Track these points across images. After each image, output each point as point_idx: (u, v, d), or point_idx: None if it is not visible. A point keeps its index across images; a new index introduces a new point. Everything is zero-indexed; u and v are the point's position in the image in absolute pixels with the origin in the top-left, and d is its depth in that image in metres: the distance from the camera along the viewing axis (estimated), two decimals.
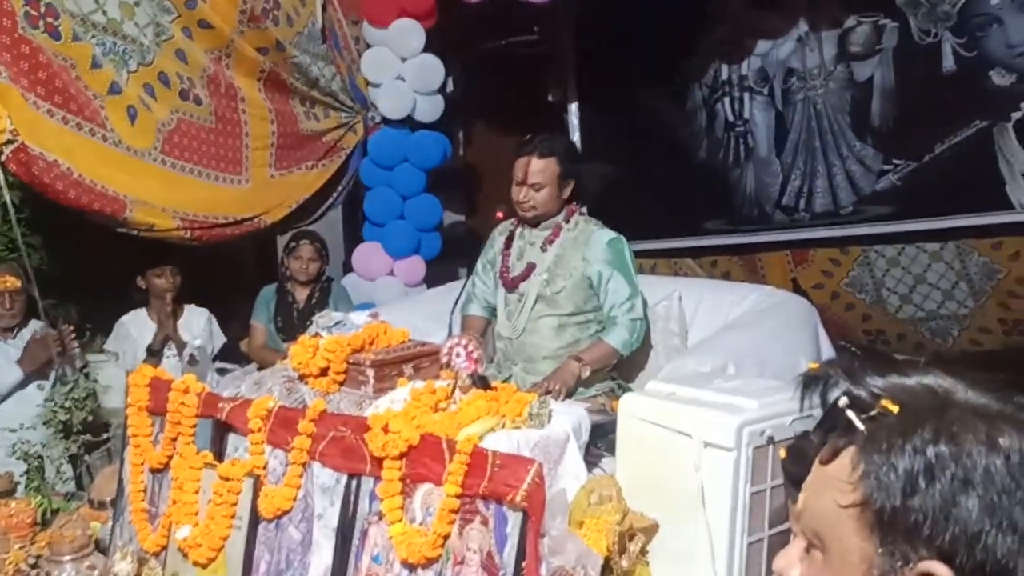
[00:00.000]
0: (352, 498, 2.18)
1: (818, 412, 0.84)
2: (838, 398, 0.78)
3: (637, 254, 5.25)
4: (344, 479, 2.21)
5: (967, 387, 0.77)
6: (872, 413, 0.76)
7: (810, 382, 0.82)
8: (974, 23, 4.20)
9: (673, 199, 5.19)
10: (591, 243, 2.95)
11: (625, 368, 3.10)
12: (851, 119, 4.68)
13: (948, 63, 4.32)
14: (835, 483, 0.76)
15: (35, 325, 3.40)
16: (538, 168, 2.90)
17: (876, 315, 5.02)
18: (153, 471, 2.59)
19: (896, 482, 0.72)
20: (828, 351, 3.22)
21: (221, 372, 2.93)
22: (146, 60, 3.59)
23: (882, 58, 4.52)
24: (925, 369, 0.79)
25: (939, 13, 4.28)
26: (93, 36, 3.36)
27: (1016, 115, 4.19)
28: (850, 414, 0.77)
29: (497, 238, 3.17)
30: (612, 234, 2.98)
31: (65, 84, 3.25)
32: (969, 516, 0.69)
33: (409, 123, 4.87)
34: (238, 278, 4.99)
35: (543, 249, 2.98)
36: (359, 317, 2.64)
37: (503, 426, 2.15)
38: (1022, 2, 4.08)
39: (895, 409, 0.75)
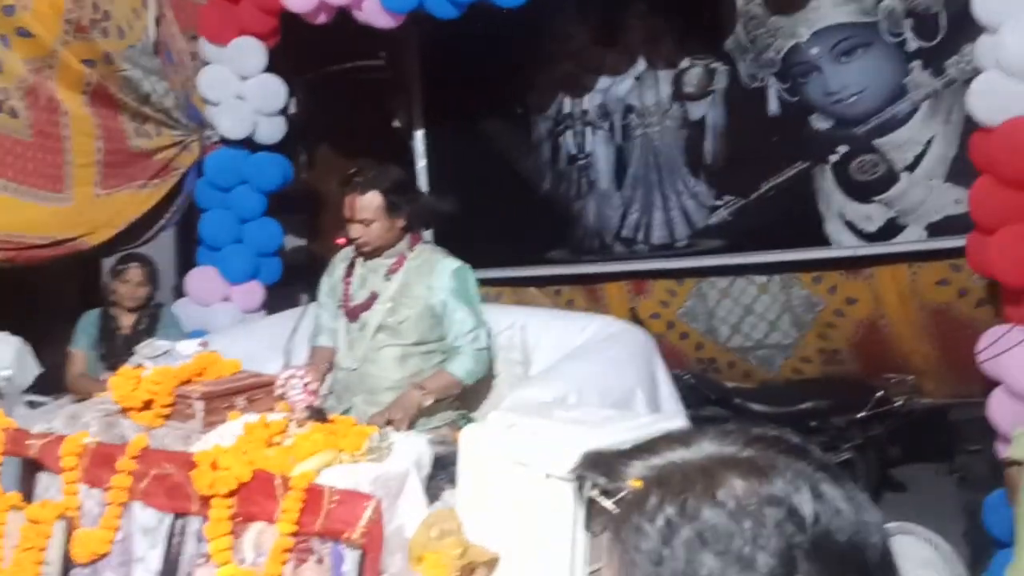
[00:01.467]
0: (176, 539, 2.06)
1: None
2: (592, 491, 0.80)
3: (483, 283, 5.26)
4: (168, 519, 2.09)
5: (710, 441, 0.80)
6: (621, 495, 0.77)
7: (580, 479, 0.84)
8: (796, 70, 4.49)
9: (518, 228, 5.25)
10: (436, 272, 2.93)
11: (468, 398, 3.09)
12: (686, 156, 4.89)
13: (773, 107, 4.59)
14: (606, 570, 0.78)
15: None
16: (363, 204, 2.88)
17: (708, 344, 5.23)
18: None
19: (642, 556, 0.73)
20: (665, 379, 3.33)
21: (32, 405, 2.71)
22: None
23: (714, 99, 4.76)
24: (685, 440, 0.81)
25: (764, 60, 4.54)
26: None
27: (833, 157, 4.49)
28: (602, 500, 0.78)
29: (338, 265, 3.10)
30: (457, 263, 2.97)
31: None
32: (712, 573, 0.71)
33: (249, 144, 4.71)
34: (59, 303, 4.66)
35: (386, 278, 2.94)
36: (187, 347, 2.51)
37: (341, 460, 2.09)
38: (839, 53, 4.39)
39: (639, 485, 0.77)
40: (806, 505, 0.73)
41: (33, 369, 3.80)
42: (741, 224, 4.78)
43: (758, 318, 5.06)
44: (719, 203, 4.83)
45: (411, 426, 2.67)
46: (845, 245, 4.56)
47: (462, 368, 2.89)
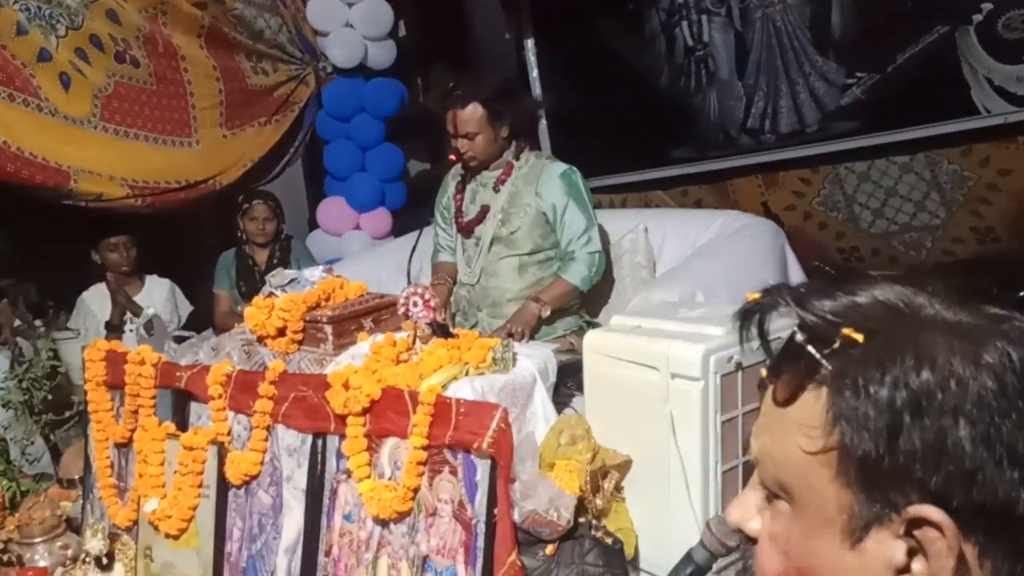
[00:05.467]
0: (319, 458, 2.14)
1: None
2: (793, 332, 0.67)
3: (607, 189, 5.18)
4: (309, 439, 2.17)
5: (931, 299, 0.68)
6: (835, 346, 0.65)
7: (748, 314, 0.70)
8: None
9: (638, 130, 5.09)
10: (543, 177, 2.87)
11: (593, 304, 3.05)
12: (811, 34, 4.58)
13: None
14: (798, 428, 0.67)
15: None
16: (465, 118, 2.84)
17: (849, 232, 4.98)
18: (118, 446, 2.54)
19: (878, 422, 0.62)
20: (797, 272, 3.19)
21: (179, 340, 2.86)
22: (75, 24, 3.44)
23: None
24: (874, 282, 0.70)
25: None
26: (16, 2, 3.21)
27: (977, 18, 4.10)
28: (811, 349, 0.65)
29: (449, 183, 3.09)
30: (564, 166, 2.90)
31: None
32: (963, 451, 0.60)
33: (362, 71, 4.74)
34: (202, 244, 4.89)
35: (495, 190, 2.91)
36: (313, 273, 2.57)
37: (466, 373, 2.11)
38: None
39: (860, 338, 0.64)
40: None
41: (185, 308, 4.03)
42: (877, 101, 4.46)
43: (902, 200, 4.76)
44: (851, 81, 4.52)
45: (533, 337, 2.67)
46: (995, 112, 4.20)
47: (576, 274, 2.84)
